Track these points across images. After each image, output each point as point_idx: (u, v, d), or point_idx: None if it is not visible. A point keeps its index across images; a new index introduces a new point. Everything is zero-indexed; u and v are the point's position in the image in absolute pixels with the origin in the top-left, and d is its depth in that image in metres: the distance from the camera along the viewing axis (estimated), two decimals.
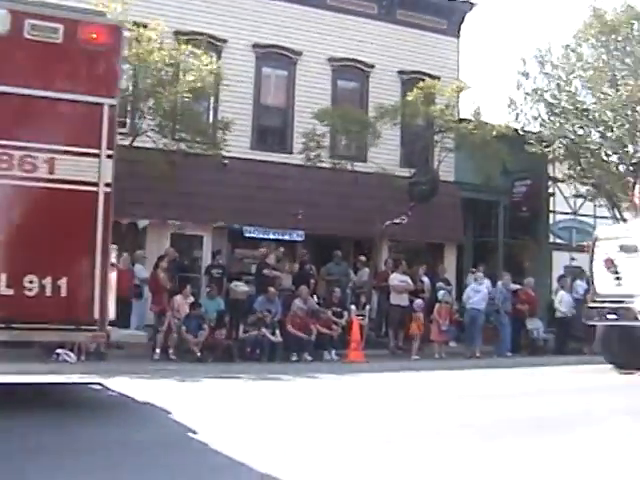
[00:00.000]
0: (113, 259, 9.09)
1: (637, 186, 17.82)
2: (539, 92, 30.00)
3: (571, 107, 28.61)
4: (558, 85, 29.49)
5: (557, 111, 28.97)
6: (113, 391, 10.72)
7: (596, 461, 6.29)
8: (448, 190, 25.16)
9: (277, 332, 18.66)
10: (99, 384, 11.28)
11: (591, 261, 15.25)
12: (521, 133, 27.55)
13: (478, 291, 21.51)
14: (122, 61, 10.05)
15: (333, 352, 19.07)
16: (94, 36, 8.82)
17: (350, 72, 26.36)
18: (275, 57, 25.25)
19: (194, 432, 7.39)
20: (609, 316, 14.50)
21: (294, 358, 18.42)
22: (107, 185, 8.68)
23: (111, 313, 9.02)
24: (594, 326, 16.28)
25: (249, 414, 8.82)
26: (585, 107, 28.49)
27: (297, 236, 22.99)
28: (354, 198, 21.95)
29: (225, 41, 24.10)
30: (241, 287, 20.35)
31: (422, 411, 9.26)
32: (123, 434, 7.33)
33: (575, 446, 6.91)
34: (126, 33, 13.57)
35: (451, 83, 24.81)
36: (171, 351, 17.87)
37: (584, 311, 17.13)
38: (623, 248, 14.26)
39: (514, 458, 6.42)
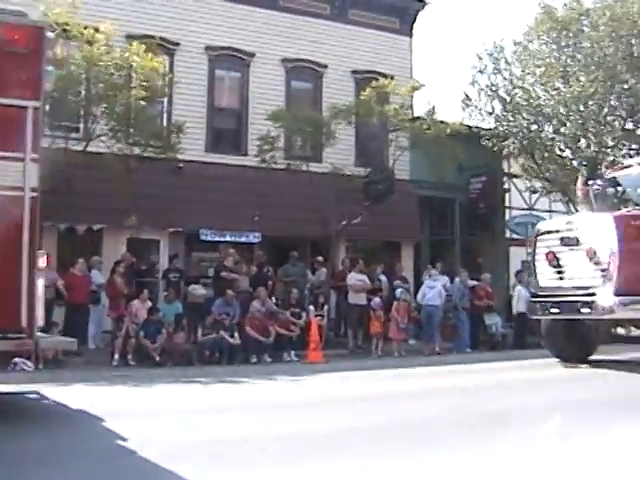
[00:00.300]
0: (42, 264, 8.92)
1: (580, 179, 17.72)
2: (493, 88, 30.29)
3: (525, 103, 28.87)
4: (511, 81, 29.78)
5: (511, 107, 29.24)
6: (48, 400, 10.51)
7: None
8: (404, 188, 25.27)
9: (236, 334, 18.63)
10: (36, 392, 11.10)
11: (533, 255, 15.04)
12: (476, 129, 27.78)
13: (432, 287, 21.64)
14: (46, 63, 9.83)
15: (292, 353, 19.08)
16: (16, 37, 8.63)
17: (303, 73, 26.41)
18: (228, 59, 25.19)
19: (123, 439, 7.26)
20: (552, 310, 14.34)
21: (253, 360, 18.40)
22: (33, 190, 8.51)
23: (39, 320, 8.84)
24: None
25: (190, 419, 8.75)
26: (538, 103, 28.75)
27: (254, 238, 22.99)
28: (310, 198, 21.93)
29: (177, 44, 24.03)
30: (199, 290, 20.34)
31: (333, 413, 9.14)
32: (38, 444, 7.18)
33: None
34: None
35: (405, 82, 24.96)
36: (130, 357, 17.79)
37: (528, 305, 17.05)
38: (564, 241, 14.03)
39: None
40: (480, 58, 30.86)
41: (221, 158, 23.77)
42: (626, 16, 27.13)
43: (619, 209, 14.81)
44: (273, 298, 20.90)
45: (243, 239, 22.93)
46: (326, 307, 21.69)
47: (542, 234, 14.87)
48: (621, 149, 29.10)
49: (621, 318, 13.89)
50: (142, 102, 19.72)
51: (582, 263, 13.53)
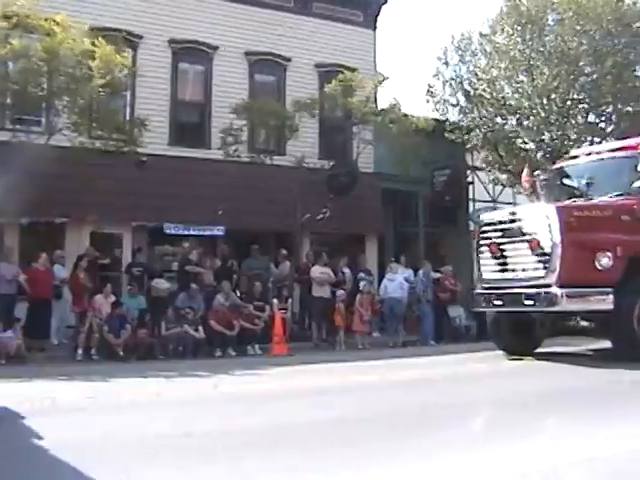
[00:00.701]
0: None
1: (525, 170, 17.38)
2: (458, 80, 30.44)
3: (488, 96, 29.03)
4: (476, 74, 29.92)
5: (475, 100, 29.40)
6: None
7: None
8: (368, 181, 25.35)
9: (200, 328, 18.63)
10: None
11: (477, 247, 14.75)
12: (440, 122, 27.89)
13: (393, 280, 21.74)
14: None
15: (257, 347, 19.09)
16: None
17: (267, 66, 26.36)
18: (191, 52, 25.12)
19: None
20: (496, 302, 14.15)
21: (218, 354, 18.40)
22: None
23: None
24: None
25: (152, 414, 8.73)
26: (502, 96, 28.93)
27: (218, 231, 22.91)
28: (274, 192, 21.96)
29: (141, 37, 23.94)
30: (163, 284, 20.29)
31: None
32: None
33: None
34: None
35: (369, 75, 25.04)
36: (93, 351, 17.74)
37: (473, 298, 16.62)
38: (507, 233, 13.82)
39: None
40: (445, 50, 31.06)
41: (185, 151, 23.65)
42: (591, 11, 27.34)
43: (565, 200, 14.70)
44: (237, 292, 20.90)
45: (207, 233, 22.86)
46: (290, 300, 21.72)
47: (485, 226, 14.70)
48: (584, 142, 29.34)
49: (565, 310, 13.36)
50: (104, 95, 19.65)
51: (525, 255, 13.46)
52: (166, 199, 21.75)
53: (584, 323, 14.75)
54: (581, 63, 27.87)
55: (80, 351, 17.64)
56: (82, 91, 19.20)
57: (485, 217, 15.07)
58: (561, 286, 12.69)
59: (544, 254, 12.99)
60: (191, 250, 21.82)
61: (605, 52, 27.52)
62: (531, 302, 13.11)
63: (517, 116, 28.70)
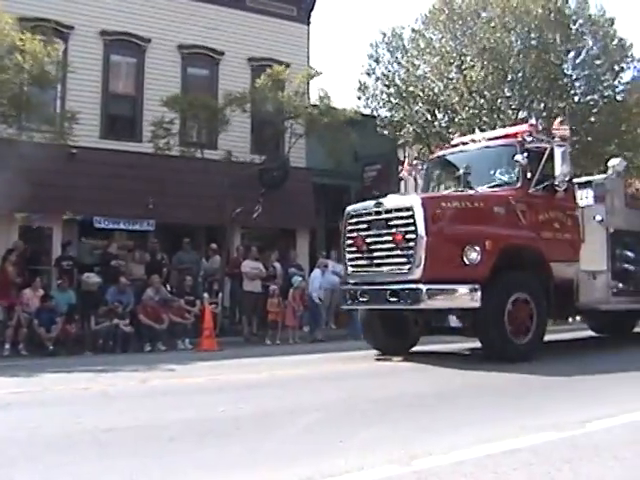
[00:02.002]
0: None
1: (406, 159, 16.95)
2: (389, 77, 30.69)
3: (420, 92, 29.34)
4: (408, 70, 30.20)
5: (406, 95, 29.67)
6: None
7: None
8: (299, 176, 25.49)
9: (129, 322, 18.60)
10: None
11: (343, 240, 13.87)
12: (372, 117, 28.13)
13: (318, 275, 22.01)
14: None
15: (187, 341, 19.10)
16: None
17: (200, 59, 26.36)
18: (124, 44, 24.98)
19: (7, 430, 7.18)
20: (361, 299, 13.27)
21: (147, 348, 18.39)
22: None
23: None
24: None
25: (79, 409, 8.71)
26: (433, 92, 29.24)
27: (148, 225, 22.87)
28: (205, 185, 21.97)
29: (72, 28, 23.76)
30: (92, 278, 20.17)
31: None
32: None
33: None
34: None
35: (301, 70, 25.11)
36: (21, 346, 17.59)
37: (339, 293, 16.04)
38: (373, 225, 12.98)
39: None
40: (376, 46, 31.29)
41: (115, 144, 23.54)
42: (521, 8, 27.76)
43: (445, 190, 14.60)
44: (167, 286, 20.88)
45: (137, 226, 22.80)
46: (220, 295, 21.79)
47: (351, 217, 13.71)
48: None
49: (429, 308, 12.45)
50: (34, 86, 19.46)
51: (390, 249, 12.67)
52: (96, 192, 21.60)
53: (454, 322, 13.64)
54: (511, 60, 28.29)
55: (7, 346, 17.48)
56: (10, 82, 18.97)
57: (351, 208, 13.98)
58: (426, 282, 12.01)
59: (409, 248, 12.26)
60: (110, 243, 21.74)
61: (535, 49, 27.98)
62: (395, 299, 12.36)
63: (448, 112, 29.04)
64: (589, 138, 28.67)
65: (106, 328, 18.42)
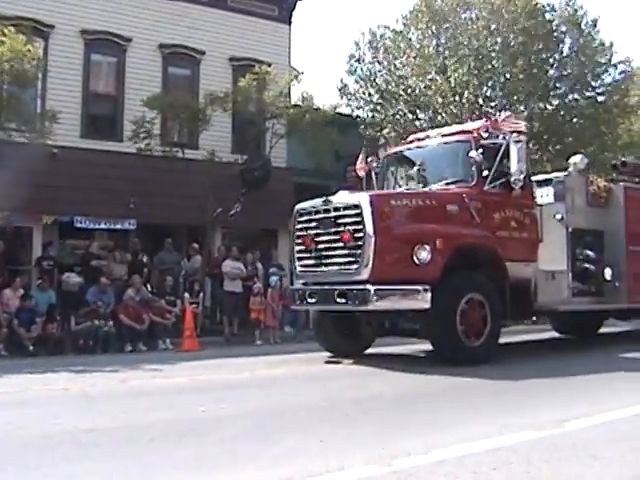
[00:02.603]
0: None
1: (361, 156, 16.02)
2: (371, 77, 30.76)
3: (402, 93, 29.41)
4: (389, 70, 30.26)
5: (388, 96, 29.74)
6: None
7: None
8: (280, 176, 25.47)
9: (110, 323, 18.54)
10: None
11: (292, 239, 13.59)
12: (353, 117, 28.17)
13: None
14: None
15: (168, 341, 19.05)
16: None
17: (181, 59, 26.27)
18: (104, 44, 24.83)
19: None
20: (309, 300, 12.90)
21: (128, 348, 18.31)
22: None
23: None
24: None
25: (59, 409, 8.69)
26: (414, 92, 29.30)
27: (129, 225, 22.81)
28: (186, 185, 21.91)
29: (52, 27, 23.61)
30: (73, 278, 20.09)
31: None
32: None
33: None
34: None
35: (283, 70, 25.12)
36: (1, 346, 17.47)
37: (289, 294, 15.64)
38: (321, 223, 12.58)
39: None
40: (358, 47, 31.37)
41: (96, 144, 23.40)
42: (506, 10, 27.89)
43: (399, 188, 14.25)
44: (148, 286, 20.82)
45: (118, 226, 22.74)
46: (201, 295, 21.73)
47: (300, 216, 13.29)
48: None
49: (377, 310, 12.02)
50: (14, 85, 19.37)
51: (338, 248, 12.27)
52: (77, 192, 21.51)
53: (408, 323, 13.05)
54: (494, 62, 28.41)
55: None
56: None
57: (300, 206, 13.49)
58: (374, 282, 11.63)
59: (357, 247, 11.87)
60: (91, 243, 21.69)
61: (518, 51, 28.11)
62: (343, 300, 12.00)
63: (430, 112, 29.11)
64: (570, 139, 28.81)
65: (87, 328, 18.35)
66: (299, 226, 13.27)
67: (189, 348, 18.19)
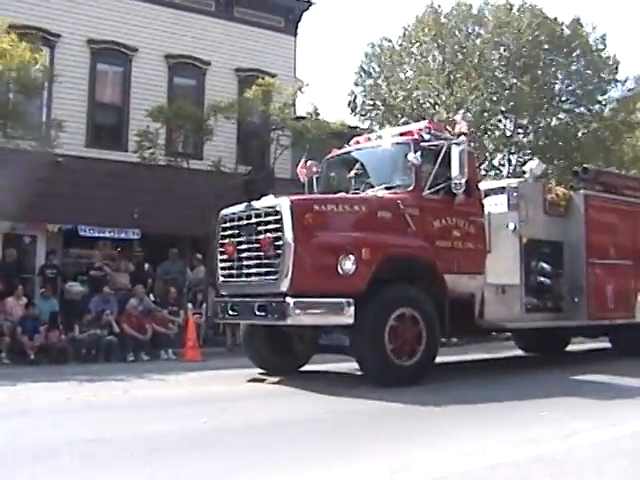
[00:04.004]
0: None
1: (302, 160, 14.90)
2: (376, 91, 30.86)
3: (407, 107, 29.47)
4: (394, 83, 30.35)
5: (394, 109, 29.82)
6: None
7: None
8: (285, 187, 25.39)
9: (113, 332, 18.53)
10: None
11: (217, 247, 12.59)
12: (360, 129, 28.19)
13: None
14: None
15: (170, 351, 19.00)
16: None
17: (186, 69, 26.34)
18: (110, 53, 24.94)
19: None
20: (231, 312, 11.93)
21: (131, 358, 18.25)
22: None
23: None
24: None
25: (61, 418, 8.64)
26: (419, 105, 29.38)
27: (133, 234, 22.84)
28: (190, 196, 21.91)
29: (59, 36, 23.70)
30: (76, 287, 20.14)
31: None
32: None
33: None
34: None
35: (288, 81, 25.18)
36: (4, 355, 17.47)
37: (212, 306, 14.63)
38: (243, 230, 11.63)
39: None
40: (365, 61, 31.50)
41: (101, 153, 23.50)
42: (512, 24, 27.99)
43: (337, 193, 12.76)
44: (152, 296, 20.81)
45: (122, 235, 22.76)
46: (204, 305, 21.70)
47: (224, 222, 12.37)
48: (501, 152, 30.01)
49: (298, 324, 10.97)
50: (20, 93, 19.43)
51: (259, 257, 11.22)
52: (82, 201, 21.57)
53: (340, 339, 11.70)
54: (500, 76, 28.48)
55: None
56: None
57: (224, 212, 12.61)
58: (295, 295, 10.50)
59: (277, 256, 10.81)
60: (95, 252, 21.76)
61: (525, 66, 28.19)
62: (263, 313, 10.95)
63: None
64: (576, 154, 28.85)
65: (89, 337, 18.34)
66: (222, 233, 12.33)
67: (191, 358, 18.12)
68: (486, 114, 29.05)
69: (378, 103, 30.98)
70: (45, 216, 21.48)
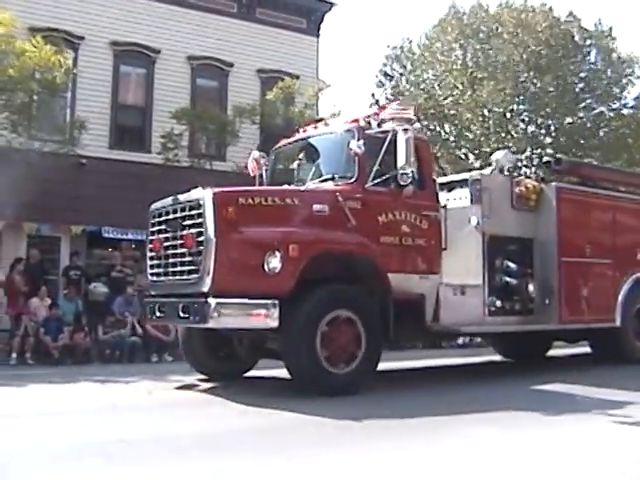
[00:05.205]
0: None
1: (252, 153, 13.54)
2: (399, 91, 30.80)
3: (430, 107, 29.40)
4: (417, 84, 30.31)
5: (417, 110, 29.75)
6: None
7: None
8: None
9: (136, 333, 18.56)
10: None
11: (147, 243, 11.65)
12: None
13: None
14: None
15: None
16: None
17: (209, 71, 26.40)
18: (133, 55, 25.08)
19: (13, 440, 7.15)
20: (158, 313, 10.95)
21: (154, 359, 18.30)
22: None
23: None
24: None
25: (85, 419, 8.61)
26: (441, 106, 29.30)
27: None
28: None
29: (82, 38, 23.85)
30: (100, 288, 20.15)
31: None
32: None
33: None
34: None
35: (310, 82, 25.18)
36: (28, 355, 17.56)
37: (142, 307, 13.59)
38: (169, 225, 10.60)
39: None
40: (387, 61, 31.43)
41: (124, 155, 23.60)
42: (531, 25, 27.87)
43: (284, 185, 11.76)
44: None
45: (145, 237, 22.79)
46: None
47: (153, 217, 11.33)
48: (524, 152, 29.89)
49: (220, 327, 10.18)
50: (44, 96, 19.52)
51: (183, 254, 10.28)
52: (105, 202, 21.60)
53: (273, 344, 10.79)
54: (523, 76, 28.36)
55: (14, 355, 17.42)
56: (21, 91, 19.03)
57: (154, 206, 11.52)
58: (217, 295, 9.58)
59: (199, 253, 9.86)
60: (118, 253, 21.81)
61: (546, 66, 28.05)
62: (186, 315, 10.05)
63: (458, 127, 29.10)
64: (597, 153, 28.69)
65: (113, 338, 18.40)
66: (152, 229, 11.32)
67: None
68: (508, 114, 28.96)
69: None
70: (69, 217, 21.56)
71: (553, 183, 14.25)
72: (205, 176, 22.36)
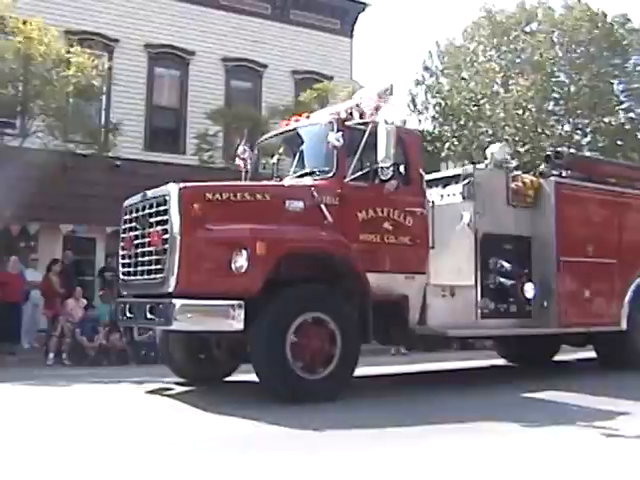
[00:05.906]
0: None
1: (240, 147, 12.74)
2: (436, 89, 30.72)
3: (465, 107, 29.27)
4: (454, 84, 30.20)
5: (454, 110, 29.64)
6: None
7: None
8: None
9: None
10: None
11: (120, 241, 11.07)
12: (418, 131, 28.08)
13: None
14: None
15: None
16: None
17: (243, 72, 26.45)
18: (168, 57, 25.20)
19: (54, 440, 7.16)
20: (128, 314, 10.34)
21: None
22: None
23: None
24: None
25: (123, 420, 8.69)
26: (476, 105, 29.15)
27: None
28: None
29: (117, 41, 23.99)
30: None
31: None
32: None
33: None
34: None
35: (345, 83, 25.13)
36: (64, 356, 17.66)
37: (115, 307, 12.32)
38: (138, 222, 10.10)
39: None
40: (429, 57, 31.41)
41: (159, 156, 23.70)
42: (566, 24, 27.67)
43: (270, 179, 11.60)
44: None
45: None
46: None
47: (125, 213, 10.79)
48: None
49: (183, 330, 9.70)
50: (79, 99, 19.64)
51: (150, 252, 9.77)
52: None
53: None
54: (558, 75, 28.16)
55: (51, 355, 17.53)
56: (57, 94, 19.14)
57: (127, 202, 10.96)
58: (181, 296, 9.09)
59: (164, 251, 9.34)
60: None
61: (582, 64, 27.83)
62: (153, 316, 9.46)
63: (493, 126, 28.91)
64: (635, 154, 28.39)
65: (149, 339, 18.41)
66: (124, 226, 10.76)
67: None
68: (544, 114, 28.73)
69: (440, 101, 30.72)
70: (104, 219, 21.59)
71: (552, 178, 13.55)
72: (239, 176, 22.45)
